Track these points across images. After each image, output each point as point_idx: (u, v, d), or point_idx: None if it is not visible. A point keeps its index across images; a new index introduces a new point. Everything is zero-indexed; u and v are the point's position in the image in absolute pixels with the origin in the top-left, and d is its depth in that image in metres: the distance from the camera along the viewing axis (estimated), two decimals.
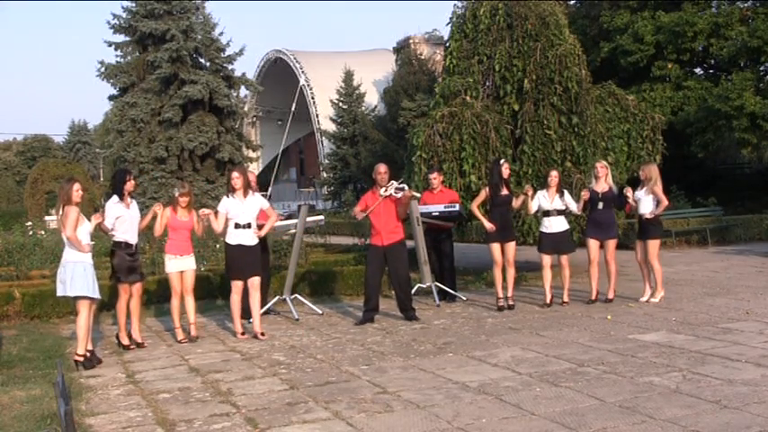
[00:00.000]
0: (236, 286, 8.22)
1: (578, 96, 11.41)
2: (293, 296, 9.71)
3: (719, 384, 5.53)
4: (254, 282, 8.23)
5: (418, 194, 8.74)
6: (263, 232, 8.42)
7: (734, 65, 21.14)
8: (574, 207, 9.55)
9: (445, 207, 10.00)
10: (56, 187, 31.48)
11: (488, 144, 11.27)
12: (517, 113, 11.82)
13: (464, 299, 10.27)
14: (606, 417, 4.88)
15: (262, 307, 9.55)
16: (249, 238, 8.18)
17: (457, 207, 10.08)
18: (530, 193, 9.40)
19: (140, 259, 8.13)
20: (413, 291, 9.79)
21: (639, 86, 21.52)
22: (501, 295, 9.38)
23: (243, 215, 8.14)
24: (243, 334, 8.23)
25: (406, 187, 8.84)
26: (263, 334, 8.17)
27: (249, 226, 8.17)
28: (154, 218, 8.14)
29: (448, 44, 12.89)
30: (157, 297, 10.60)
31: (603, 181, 9.59)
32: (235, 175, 8.26)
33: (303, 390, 5.88)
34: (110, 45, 32.91)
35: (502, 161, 9.41)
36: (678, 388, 5.47)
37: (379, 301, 9.07)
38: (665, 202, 9.75)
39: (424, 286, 10.15)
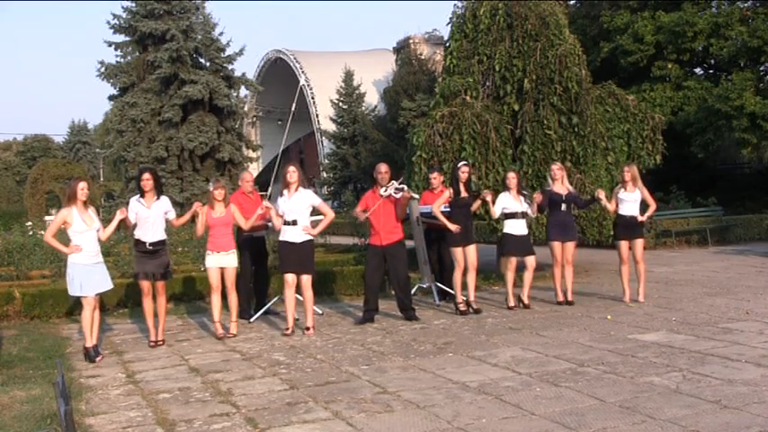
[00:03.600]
0: (287, 282, 8.22)
1: (578, 96, 11.41)
2: None
3: (719, 384, 5.53)
4: (305, 281, 8.18)
5: (417, 195, 8.63)
6: (316, 231, 8.39)
7: (734, 65, 21.15)
8: (529, 210, 9.45)
9: (445, 207, 10.00)
10: (56, 187, 31.57)
11: (488, 144, 11.27)
12: (517, 113, 11.82)
13: (464, 298, 10.25)
14: (606, 417, 4.88)
15: (262, 307, 9.58)
16: (296, 235, 8.10)
17: None
18: (489, 197, 9.27)
19: (165, 257, 8.02)
20: (413, 291, 9.78)
21: (639, 86, 21.53)
22: (461, 300, 9.26)
23: (289, 212, 8.12)
24: (288, 330, 8.25)
25: (406, 187, 8.80)
26: (307, 329, 8.27)
27: (296, 223, 8.10)
28: (194, 217, 8.20)
29: (448, 44, 12.89)
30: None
31: (561, 183, 9.53)
32: (291, 169, 8.20)
33: (303, 390, 5.88)
34: (110, 45, 32.94)
35: (461, 164, 9.37)
36: (678, 388, 5.48)
37: (378, 300, 9.06)
38: (655, 205, 9.82)
39: (424, 286, 10.15)
